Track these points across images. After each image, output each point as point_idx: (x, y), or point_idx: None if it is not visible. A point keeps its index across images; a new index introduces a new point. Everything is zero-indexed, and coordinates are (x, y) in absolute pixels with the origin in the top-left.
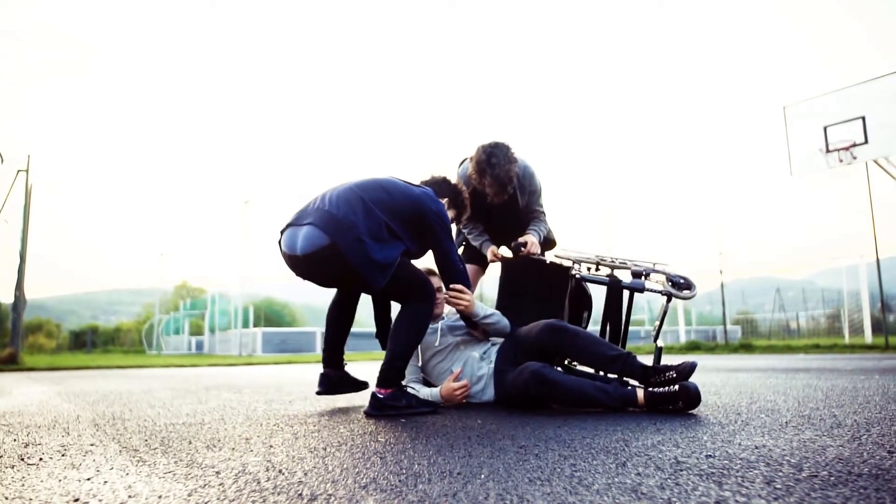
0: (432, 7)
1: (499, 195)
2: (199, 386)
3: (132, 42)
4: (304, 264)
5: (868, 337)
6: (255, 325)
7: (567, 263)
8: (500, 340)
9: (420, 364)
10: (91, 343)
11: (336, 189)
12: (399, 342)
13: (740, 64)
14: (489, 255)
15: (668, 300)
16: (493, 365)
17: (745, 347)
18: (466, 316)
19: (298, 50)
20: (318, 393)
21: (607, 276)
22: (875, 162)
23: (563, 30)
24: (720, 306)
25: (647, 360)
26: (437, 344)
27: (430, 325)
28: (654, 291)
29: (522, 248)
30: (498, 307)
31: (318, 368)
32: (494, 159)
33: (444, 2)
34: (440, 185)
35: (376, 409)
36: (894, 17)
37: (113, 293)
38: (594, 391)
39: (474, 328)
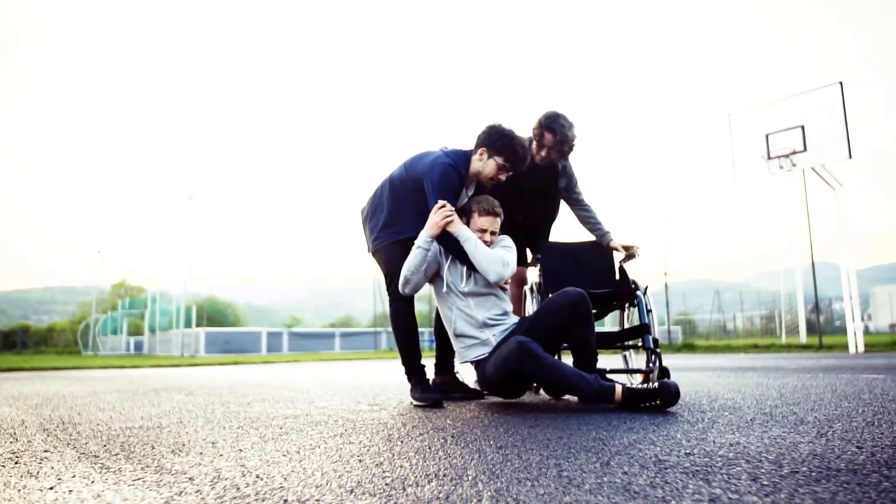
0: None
1: (557, 156)
2: (146, 388)
3: (71, 26)
4: None
5: (803, 337)
6: (197, 325)
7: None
8: (515, 320)
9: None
10: (22, 344)
11: None
12: (396, 344)
13: (687, 71)
14: None
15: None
16: (497, 335)
17: (688, 347)
18: (447, 235)
19: (247, 42)
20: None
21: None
22: (813, 169)
23: (538, 30)
24: (663, 308)
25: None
26: (451, 280)
27: (459, 265)
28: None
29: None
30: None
31: (266, 369)
32: (563, 120)
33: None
34: (479, 137)
35: None
36: (834, 31)
37: (45, 291)
38: (574, 377)
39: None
